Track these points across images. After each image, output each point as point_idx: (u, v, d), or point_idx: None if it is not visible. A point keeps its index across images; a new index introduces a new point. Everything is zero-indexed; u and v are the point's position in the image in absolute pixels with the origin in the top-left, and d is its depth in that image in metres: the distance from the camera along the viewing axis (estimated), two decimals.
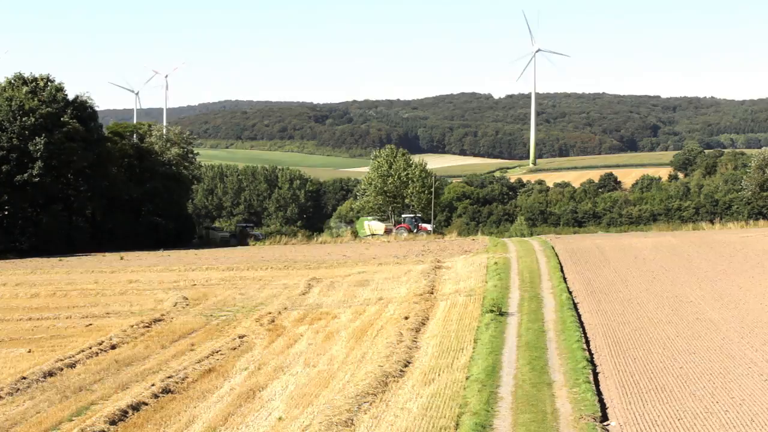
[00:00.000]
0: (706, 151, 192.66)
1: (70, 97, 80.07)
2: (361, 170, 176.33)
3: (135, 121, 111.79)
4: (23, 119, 74.31)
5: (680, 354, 29.41)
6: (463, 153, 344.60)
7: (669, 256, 52.95)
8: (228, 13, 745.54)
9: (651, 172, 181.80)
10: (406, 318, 37.07)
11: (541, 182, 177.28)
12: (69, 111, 77.66)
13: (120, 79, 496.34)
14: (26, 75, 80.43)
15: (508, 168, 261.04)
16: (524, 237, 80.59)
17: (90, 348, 33.63)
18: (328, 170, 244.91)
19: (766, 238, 60.23)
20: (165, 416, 25.33)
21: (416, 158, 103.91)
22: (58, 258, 67.72)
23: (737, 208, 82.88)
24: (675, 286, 42.09)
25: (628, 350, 30.46)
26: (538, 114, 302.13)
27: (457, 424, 23.05)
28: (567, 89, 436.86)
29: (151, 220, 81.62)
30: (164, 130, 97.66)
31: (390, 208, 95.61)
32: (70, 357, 32.14)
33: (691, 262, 49.87)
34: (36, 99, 76.51)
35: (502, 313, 34.75)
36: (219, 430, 24.21)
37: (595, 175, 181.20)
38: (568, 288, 42.44)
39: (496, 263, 49.87)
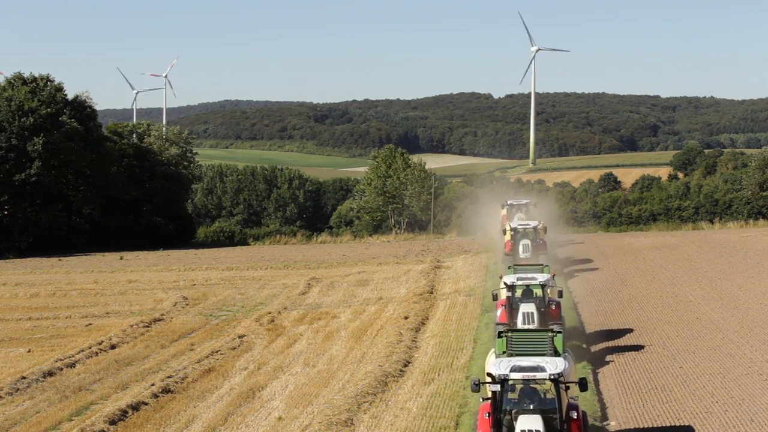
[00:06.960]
0: (706, 150, 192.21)
1: (70, 96, 79.96)
2: (361, 170, 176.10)
3: (134, 121, 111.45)
4: (22, 119, 74.24)
5: (680, 354, 29.41)
6: (462, 153, 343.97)
7: (669, 255, 52.91)
8: (228, 13, 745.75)
9: (651, 171, 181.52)
10: (406, 318, 37.07)
11: (540, 182, 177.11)
12: (68, 111, 77.53)
13: (122, 76, 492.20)
14: (26, 75, 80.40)
15: (507, 168, 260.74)
16: None
17: (90, 348, 33.62)
18: (328, 170, 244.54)
19: (766, 238, 60.19)
20: (165, 416, 25.33)
21: (415, 158, 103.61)
22: (58, 258, 67.68)
23: (737, 207, 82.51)
24: (675, 286, 42.07)
25: (628, 350, 30.47)
26: (537, 114, 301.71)
27: (457, 424, 23.06)
28: (567, 89, 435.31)
29: (150, 220, 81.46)
30: (163, 130, 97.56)
31: (390, 209, 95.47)
32: (69, 357, 32.14)
33: (691, 262, 49.85)
34: (35, 99, 76.41)
35: None
36: (219, 430, 24.21)
37: (595, 175, 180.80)
38: (568, 287, 42.44)
39: (495, 263, 49.84)
